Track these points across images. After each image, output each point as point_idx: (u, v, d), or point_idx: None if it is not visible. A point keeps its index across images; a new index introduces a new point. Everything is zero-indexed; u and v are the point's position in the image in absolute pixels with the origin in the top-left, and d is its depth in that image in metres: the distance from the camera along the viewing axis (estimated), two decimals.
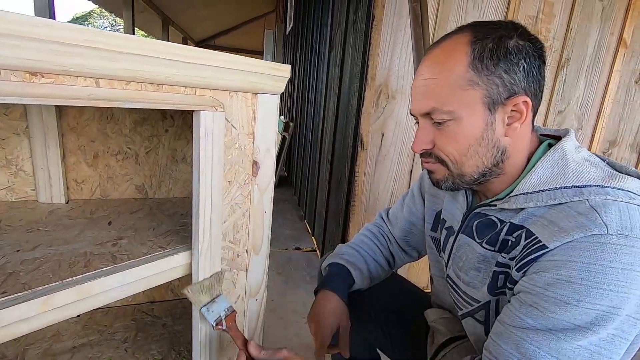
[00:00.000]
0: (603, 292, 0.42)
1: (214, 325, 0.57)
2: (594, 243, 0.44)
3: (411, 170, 1.60)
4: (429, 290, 0.84)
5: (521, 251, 0.51)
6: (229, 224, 0.64)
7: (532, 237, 0.49)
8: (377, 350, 0.90)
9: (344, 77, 1.77)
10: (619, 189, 0.47)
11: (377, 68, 1.45)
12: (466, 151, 0.54)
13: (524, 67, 0.50)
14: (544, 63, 0.53)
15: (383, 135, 1.53)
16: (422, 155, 0.59)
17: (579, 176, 0.50)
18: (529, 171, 0.54)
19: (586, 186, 0.48)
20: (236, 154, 0.62)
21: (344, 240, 1.65)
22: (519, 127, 0.53)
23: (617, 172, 0.50)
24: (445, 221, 0.69)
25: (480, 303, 0.58)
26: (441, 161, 0.56)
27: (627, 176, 0.49)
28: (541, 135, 0.61)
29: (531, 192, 0.52)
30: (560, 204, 0.49)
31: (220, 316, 0.58)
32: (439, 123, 0.54)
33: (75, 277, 0.50)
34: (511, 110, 0.52)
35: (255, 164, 0.65)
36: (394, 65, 1.46)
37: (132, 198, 0.86)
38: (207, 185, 0.57)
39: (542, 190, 0.51)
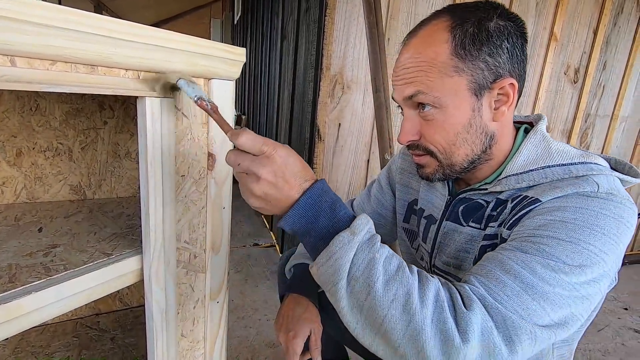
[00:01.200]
0: (596, 234, 0.43)
1: (195, 99, 0.45)
2: (585, 197, 0.45)
3: (368, 160, 1.61)
4: None
5: (511, 211, 0.51)
6: (183, 222, 0.59)
7: (521, 196, 0.51)
8: (344, 347, 0.89)
9: (298, 67, 1.73)
10: (596, 164, 0.50)
11: (332, 57, 1.43)
12: (455, 139, 0.52)
13: (507, 48, 0.50)
14: (526, 41, 0.52)
15: (340, 125, 1.52)
16: (409, 147, 0.57)
17: (563, 155, 0.51)
18: (514, 154, 0.55)
19: (572, 164, 0.50)
20: (189, 146, 0.56)
21: None
22: (506, 110, 0.52)
23: (587, 152, 0.54)
24: (424, 210, 0.67)
25: None
26: (429, 152, 0.55)
27: (595, 155, 0.52)
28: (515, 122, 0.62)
29: (521, 173, 0.52)
30: (550, 181, 0.51)
31: (202, 95, 0.45)
32: (424, 110, 0.52)
33: None
34: (498, 93, 0.51)
35: (211, 156, 0.60)
36: (349, 55, 1.45)
37: (67, 200, 0.76)
38: (157, 181, 0.51)
39: (531, 170, 0.52)
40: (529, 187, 0.52)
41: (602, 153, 2.11)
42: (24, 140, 0.70)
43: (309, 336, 0.67)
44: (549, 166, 0.51)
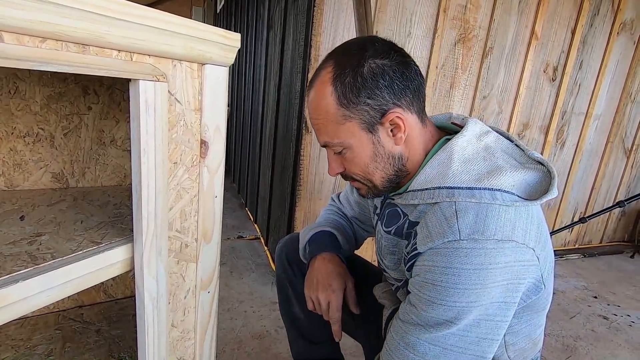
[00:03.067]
0: (459, 291, 0.49)
1: None
2: (450, 249, 0.50)
3: None
4: None
5: (410, 251, 0.57)
6: (175, 211, 0.58)
7: (415, 239, 0.56)
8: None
9: (285, 58, 1.71)
10: (487, 189, 0.51)
11: (320, 49, 1.42)
12: (367, 168, 0.59)
13: (385, 85, 0.54)
14: (407, 65, 0.55)
15: None
16: (342, 176, 0.64)
17: (455, 177, 0.54)
18: (420, 169, 0.59)
19: (458, 188, 0.53)
20: (182, 133, 0.55)
21: (290, 224, 1.62)
22: (403, 136, 0.57)
23: (500, 166, 0.53)
24: (377, 207, 0.73)
25: (402, 281, 0.65)
26: (356, 179, 0.62)
27: (505, 171, 0.52)
28: (453, 123, 0.65)
29: (417, 190, 0.57)
30: (436, 203, 0.55)
31: None
32: (338, 151, 0.59)
33: None
34: (389, 124, 0.56)
35: (203, 143, 0.59)
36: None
37: (48, 188, 0.73)
38: (150, 168, 0.50)
39: (426, 189, 0.56)
40: (421, 211, 0.58)
41: (576, 150, 2.21)
42: (1, 124, 0.67)
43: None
44: (438, 187, 0.55)
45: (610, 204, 2.19)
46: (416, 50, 1.59)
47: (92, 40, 0.40)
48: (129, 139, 0.80)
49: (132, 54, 0.45)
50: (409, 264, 0.57)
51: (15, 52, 0.34)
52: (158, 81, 0.47)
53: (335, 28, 1.42)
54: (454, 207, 0.52)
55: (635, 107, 2.33)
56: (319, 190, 1.61)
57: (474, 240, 0.49)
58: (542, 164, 0.55)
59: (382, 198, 0.70)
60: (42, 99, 0.69)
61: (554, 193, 0.51)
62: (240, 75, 2.93)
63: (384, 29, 1.50)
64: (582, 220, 1.98)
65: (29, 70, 0.67)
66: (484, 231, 0.49)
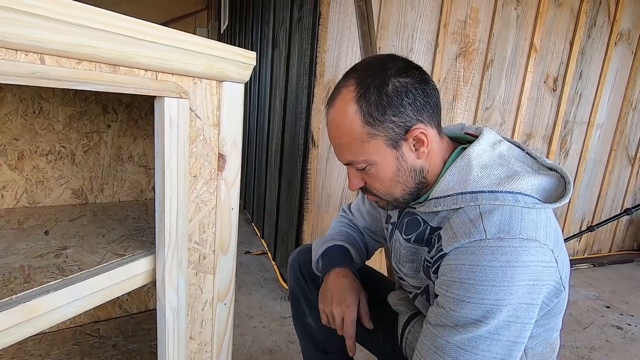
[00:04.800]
0: (486, 288, 0.49)
1: None
2: (476, 247, 0.51)
3: None
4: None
5: (435, 254, 0.58)
6: (194, 223, 0.59)
7: (440, 242, 0.57)
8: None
9: (290, 75, 1.75)
10: (509, 192, 0.53)
11: (325, 65, 1.46)
12: (390, 183, 0.60)
13: (408, 103, 0.55)
14: (426, 82, 0.57)
15: None
16: (361, 190, 0.65)
17: (477, 182, 0.56)
18: (440, 178, 0.60)
19: (481, 192, 0.55)
20: (201, 147, 0.57)
21: (298, 238, 1.63)
22: (425, 150, 0.58)
23: (517, 172, 0.56)
24: (391, 217, 0.74)
25: (421, 288, 0.65)
26: (375, 194, 0.63)
27: (523, 176, 0.55)
28: (466, 133, 0.67)
29: (440, 197, 0.59)
30: (460, 208, 0.56)
31: None
32: (360, 168, 0.60)
33: (15, 296, 0.41)
34: (413, 140, 0.57)
35: (221, 157, 0.61)
36: (341, 63, 1.48)
37: (68, 204, 0.75)
38: (173, 181, 0.52)
39: (448, 196, 0.58)
40: (444, 217, 0.59)
41: (580, 159, 2.22)
42: (26, 143, 0.69)
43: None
44: (461, 193, 0.56)
45: (618, 212, 2.18)
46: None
47: (123, 61, 0.43)
48: (145, 155, 0.83)
49: (157, 72, 0.47)
50: (435, 266, 0.57)
51: (55, 74, 0.37)
52: (181, 98, 0.50)
53: (340, 45, 1.46)
54: (478, 209, 0.53)
55: (637, 115, 2.35)
56: (326, 204, 1.62)
57: (500, 239, 0.50)
58: (554, 170, 0.57)
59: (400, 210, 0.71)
60: (64, 118, 0.72)
61: (569, 195, 0.53)
62: (246, 92, 2.99)
63: (386, 45, 1.54)
64: (590, 228, 1.97)
65: (53, 90, 0.70)
66: (509, 230, 0.50)
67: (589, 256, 2.48)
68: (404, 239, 0.66)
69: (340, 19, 1.44)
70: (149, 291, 0.92)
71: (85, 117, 0.73)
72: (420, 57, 1.62)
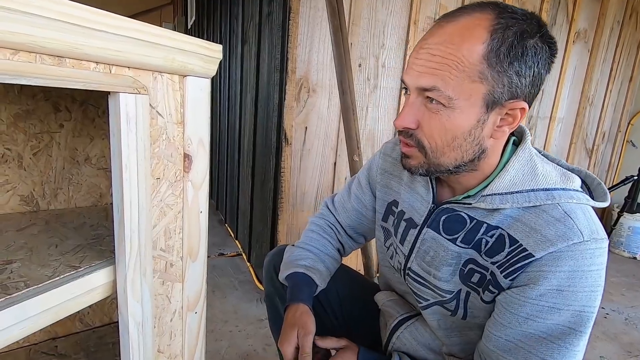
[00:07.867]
0: (585, 294, 0.48)
1: None
2: (575, 251, 0.48)
3: (335, 163, 1.62)
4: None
5: (506, 257, 0.52)
6: (159, 229, 0.55)
7: (517, 245, 0.51)
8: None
9: (261, 72, 1.71)
10: (576, 190, 0.52)
11: (297, 61, 1.43)
12: (450, 142, 0.51)
13: (534, 72, 0.48)
14: (549, 72, 0.51)
15: (306, 129, 1.52)
16: (401, 133, 0.55)
17: (547, 178, 0.52)
18: (500, 170, 0.54)
19: (555, 189, 0.51)
20: (164, 147, 0.53)
21: (273, 238, 1.59)
22: (507, 130, 0.52)
23: (564, 170, 0.56)
24: (404, 213, 0.66)
25: (453, 293, 0.59)
26: (421, 146, 0.53)
27: (572, 175, 0.55)
28: None
29: (506, 193, 0.52)
30: (534, 206, 0.51)
31: None
32: (432, 103, 0.50)
33: None
34: (506, 113, 0.50)
35: (187, 157, 0.57)
36: (313, 59, 1.46)
37: (16, 212, 0.68)
38: (132, 185, 0.47)
39: (517, 192, 0.52)
40: (508, 215, 0.53)
41: (549, 152, 2.31)
42: None
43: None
44: (533, 190, 0.52)
45: None
46: (390, 61, 1.63)
47: (68, 52, 0.38)
48: (104, 156, 0.77)
49: (111, 66, 0.43)
50: (507, 272, 0.51)
51: None
52: (139, 94, 0.46)
53: (311, 40, 1.43)
54: (560, 208, 0.50)
55: (594, 110, 2.48)
56: (301, 203, 1.59)
57: (595, 240, 0.48)
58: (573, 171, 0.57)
59: (431, 204, 0.61)
60: (8, 117, 0.65)
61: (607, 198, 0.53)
62: (215, 89, 2.90)
63: (358, 41, 1.53)
64: None
65: None
66: (597, 231, 0.49)
67: None
68: (447, 239, 0.58)
69: (311, 15, 1.41)
70: (112, 302, 0.86)
71: (33, 116, 0.67)
72: (392, 53, 1.63)
